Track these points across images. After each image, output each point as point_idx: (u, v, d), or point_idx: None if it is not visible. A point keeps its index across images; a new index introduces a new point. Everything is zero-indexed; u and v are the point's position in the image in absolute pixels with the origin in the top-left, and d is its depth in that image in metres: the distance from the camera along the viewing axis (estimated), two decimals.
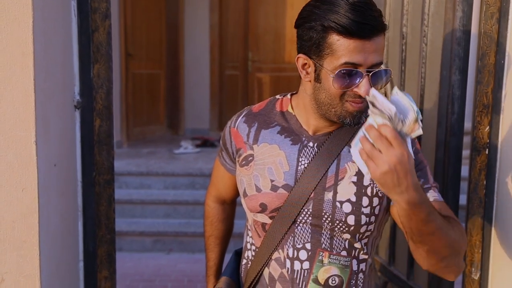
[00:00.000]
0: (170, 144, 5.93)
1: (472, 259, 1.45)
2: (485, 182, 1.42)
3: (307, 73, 1.11)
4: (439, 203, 1.12)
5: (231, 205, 1.47)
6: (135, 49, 5.78)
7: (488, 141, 1.40)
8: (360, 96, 1.05)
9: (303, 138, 1.17)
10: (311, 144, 1.16)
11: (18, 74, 1.15)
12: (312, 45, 1.06)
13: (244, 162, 1.21)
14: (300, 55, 1.11)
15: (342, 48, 1.02)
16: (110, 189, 1.49)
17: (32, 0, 1.13)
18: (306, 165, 1.14)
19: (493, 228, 1.42)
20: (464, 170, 1.45)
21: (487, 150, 1.41)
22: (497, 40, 1.36)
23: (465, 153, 1.47)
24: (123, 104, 5.60)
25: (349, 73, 1.03)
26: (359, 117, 1.08)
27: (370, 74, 1.03)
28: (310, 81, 1.11)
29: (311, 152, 1.15)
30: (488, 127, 1.40)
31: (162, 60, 6.31)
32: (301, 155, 1.16)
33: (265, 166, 1.17)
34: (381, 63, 1.05)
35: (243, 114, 1.26)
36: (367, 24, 1.01)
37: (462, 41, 1.41)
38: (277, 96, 1.27)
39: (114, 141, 1.55)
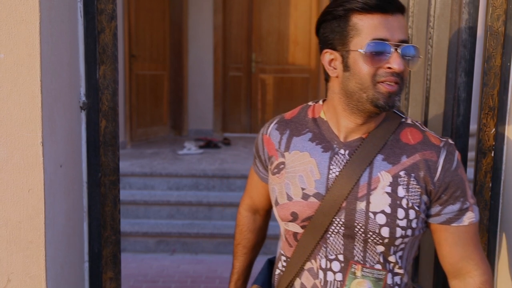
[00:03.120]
0: (173, 145, 5.94)
1: None
2: (490, 185, 1.42)
3: (335, 67, 1.09)
4: (471, 228, 1.11)
5: (264, 217, 1.42)
6: (139, 50, 5.79)
7: (493, 143, 1.40)
8: (393, 74, 1.03)
9: (334, 145, 1.14)
10: (342, 151, 1.13)
11: (25, 75, 1.15)
12: (336, 35, 1.06)
13: (275, 170, 1.19)
14: (325, 50, 1.09)
15: (366, 26, 1.02)
16: (116, 190, 1.49)
17: (39, 1, 1.14)
18: (337, 173, 1.11)
19: (498, 231, 1.41)
20: (470, 173, 1.44)
21: (492, 152, 1.40)
22: (503, 42, 1.35)
23: (471, 155, 1.47)
24: (126, 105, 5.61)
25: (378, 48, 1.02)
26: (393, 99, 1.05)
27: (400, 48, 1.02)
28: (337, 76, 1.09)
29: (342, 160, 1.12)
30: (494, 129, 1.40)
31: (165, 61, 6.32)
32: (332, 163, 1.12)
33: (296, 174, 1.15)
34: (407, 41, 1.04)
35: (276, 121, 1.24)
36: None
37: (468, 43, 1.40)
38: (310, 103, 1.25)
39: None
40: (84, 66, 1.43)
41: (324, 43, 1.09)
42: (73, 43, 1.38)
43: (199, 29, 6.54)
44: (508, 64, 1.35)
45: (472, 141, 1.52)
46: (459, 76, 1.43)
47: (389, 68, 1.03)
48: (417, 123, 1.17)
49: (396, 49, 1.02)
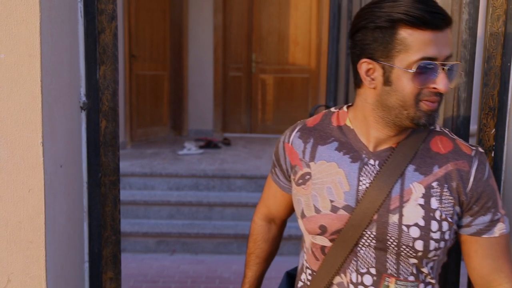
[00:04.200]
0: (173, 145, 5.94)
1: None
2: None
3: (373, 79, 1.02)
4: (502, 239, 1.08)
5: (279, 226, 1.38)
6: (139, 50, 5.80)
7: (494, 143, 1.40)
8: (435, 94, 0.99)
9: (363, 155, 1.09)
10: (372, 161, 1.08)
11: (25, 75, 1.15)
12: (378, 46, 0.99)
13: (300, 180, 1.14)
14: (364, 59, 1.02)
15: (416, 42, 0.95)
16: (116, 190, 1.49)
17: (39, 1, 1.14)
18: (367, 185, 1.06)
19: None
20: None
21: (493, 152, 1.40)
22: (504, 42, 1.35)
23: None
24: (126, 105, 5.61)
25: (427, 69, 0.96)
26: (433, 116, 1.01)
27: (447, 67, 0.97)
28: (374, 87, 1.03)
29: (372, 171, 1.07)
30: (494, 130, 1.39)
31: (165, 61, 6.32)
32: (362, 174, 1.08)
33: (324, 186, 1.10)
34: (451, 56, 1.00)
35: (297, 129, 1.19)
36: (439, 14, 0.95)
37: (468, 43, 1.40)
38: (332, 109, 1.19)
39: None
40: (85, 66, 1.43)
41: (362, 51, 1.02)
42: (73, 43, 1.38)
43: (199, 29, 6.54)
44: (508, 64, 1.35)
45: (472, 142, 1.51)
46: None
47: (434, 88, 0.98)
48: (445, 130, 1.14)
49: (443, 69, 0.97)
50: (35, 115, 1.16)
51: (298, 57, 6.78)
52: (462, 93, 1.43)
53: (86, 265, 1.50)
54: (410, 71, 0.96)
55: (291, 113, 6.83)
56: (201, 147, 5.75)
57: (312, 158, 1.13)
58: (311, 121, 1.19)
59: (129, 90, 5.66)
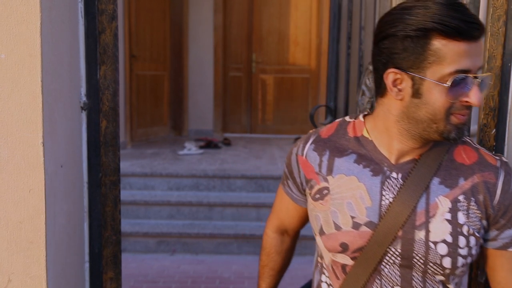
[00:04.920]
0: (173, 145, 5.94)
1: (478, 262, 1.45)
2: None
3: (400, 90, 0.96)
4: None
5: (292, 238, 1.33)
6: (139, 50, 5.80)
7: (494, 143, 1.40)
8: (467, 107, 0.95)
9: (385, 168, 1.03)
10: (394, 174, 1.03)
11: (25, 75, 1.15)
12: (408, 56, 0.93)
13: (318, 195, 1.08)
14: (391, 70, 0.95)
15: (451, 54, 0.90)
16: (116, 190, 1.49)
17: (40, 1, 1.14)
18: (391, 199, 1.01)
19: None
20: None
21: (493, 152, 1.40)
22: (504, 42, 1.35)
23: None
24: (127, 105, 5.62)
25: (462, 82, 0.91)
26: (463, 130, 0.97)
27: (480, 79, 0.93)
28: (401, 99, 0.97)
29: (396, 184, 1.02)
30: (494, 130, 1.39)
31: (166, 61, 6.33)
32: (384, 188, 1.02)
33: (344, 201, 1.04)
34: (482, 66, 0.98)
35: (311, 141, 1.12)
36: (475, 23, 0.89)
37: None
38: (347, 119, 1.13)
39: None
40: (85, 66, 1.43)
41: (389, 59, 0.96)
42: (73, 43, 1.38)
43: (200, 29, 6.54)
44: (509, 64, 1.35)
45: None
46: None
47: (467, 101, 0.94)
48: (468, 139, 1.09)
49: (476, 81, 0.92)
50: (36, 115, 1.16)
51: (298, 57, 6.78)
52: None
53: (87, 265, 1.50)
54: (444, 84, 0.91)
55: (291, 113, 6.83)
56: (201, 147, 5.76)
57: (330, 172, 1.07)
58: (325, 132, 1.13)
59: (129, 90, 5.66)
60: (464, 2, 1.38)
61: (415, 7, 0.92)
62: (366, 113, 1.11)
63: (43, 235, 1.19)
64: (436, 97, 0.93)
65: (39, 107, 1.16)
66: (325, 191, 1.07)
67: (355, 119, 1.11)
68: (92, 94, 1.44)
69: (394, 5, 1.69)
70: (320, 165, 1.09)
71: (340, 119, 1.15)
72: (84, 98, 1.44)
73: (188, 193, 4.53)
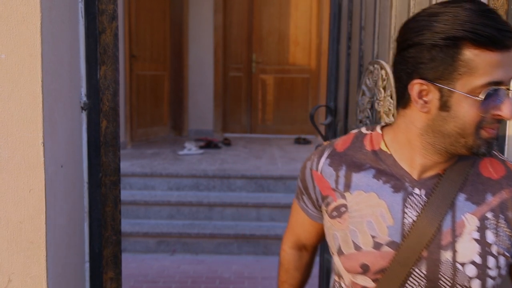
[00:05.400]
0: (174, 145, 5.94)
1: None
2: None
3: (426, 102, 0.90)
4: None
5: (310, 253, 1.26)
6: (139, 50, 5.80)
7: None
8: (497, 121, 0.89)
9: (406, 184, 0.97)
10: (417, 191, 0.96)
11: (26, 75, 1.15)
12: (436, 66, 0.86)
13: (335, 213, 1.02)
14: (417, 80, 0.89)
15: (483, 65, 0.84)
16: (116, 190, 1.49)
17: (40, 2, 1.14)
18: (414, 217, 0.95)
19: None
20: None
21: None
22: None
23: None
24: (127, 105, 5.62)
25: (495, 95, 0.86)
26: (492, 145, 0.91)
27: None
28: (427, 111, 0.90)
29: (419, 201, 0.96)
30: None
31: (166, 61, 6.33)
32: (407, 205, 0.96)
33: (363, 219, 0.98)
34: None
35: (326, 155, 1.06)
36: (508, 32, 0.84)
37: None
38: (363, 130, 1.06)
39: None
40: (85, 66, 1.43)
41: (415, 69, 0.89)
42: (74, 43, 1.38)
43: (200, 29, 6.54)
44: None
45: None
46: None
47: (498, 115, 0.88)
48: (493, 151, 1.02)
49: (509, 94, 0.87)
50: (36, 115, 1.16)
51: (298, 57, 6.78)
52: None
53: (87, 265, 1.50)
54: (476, 98, 0.85)
55: (291, 113, 6.84)
56: (201, 147, 5.76)
57: (347, 188, 1.01)
58: (340, 145, 1.06)
59: (130, 90, 5.66)
60: None
61: (443, 14, 0.86)
62: (383, 124, 1.05)
63: (43, 235, 1.20)
64: (466, 111, 0.87)
65: (39, 107, 1.16)
66: (343, 209, 1.01)
67: (372, 131, 1.05)
68: (92, 94, 1.44)
69: (394, 5, 1.69)
70: (336, 181, 1.03)
71: (356, 130, 1.08)
72: (84, 98, 1.44)
73: (188, 193, 4.54)
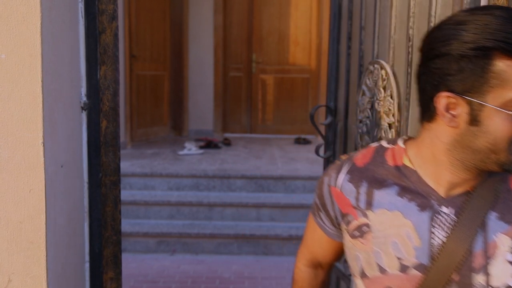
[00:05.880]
0: (174, 145, 5.94)
1: None
2: None
3: (454, 116, 0.85)
4: None
5: (327, 271, 1.20)
6: (139, 50, 5.80)
7: None
8: None
9: (433, 202, 0.91)
10: (445, 209, 0.91)
11: (26, 75, 1.15)
12: (465, 78, 0.82)
13: (357, 232, 0.97)
14: (444, 93, 0.84)
15: None
16: (116, 190, 1.49)
17: (40, 1, 1.14)
18: (443, 238, 0.90)
19: None
20: None
21: None
22: None
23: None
24: (127, 105, 5.62)
25: None
26: None
27: None
28: (456, 126, 0.86)
29: (447, 221, 0.90)
30: None
31: (166, 61, 6.33)
32: (434, 225, 0.91)
33: (388, 240, 0.93)
34: None
35: (346, 170, 1.00)
36: None
37: None
38: (384, 144, 1.00)
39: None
40: (85, 66, 1.43)
41: (442, 81, 0.84)
42: (74, 43, 1.38)
43: (200, 29, 6.54)
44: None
45: None
46: None
47: None
48: None
49: None
50: (36, 115, 1.16)
51: (298, 57, 6.78)
52: None
53: (87, 265, 1.50)
54: (509, 112, 0.80)
55: (291, 113, 6.84)
56: (201, 147, 5.75)
57: (369, 206, 0.95)
58: (360, 160, 1.00)
59: (130, 90, 5.66)
60: (464, 1, 1.38)
61: (472, 22, 0.81)
62: (405, 137, 0.99)
63: (43, 235, 1.19)
64: (497, 125, 0.82)
65: (39, 106, 1.16)
66: (365, 228, 0.95)
67: (393, 145, 0.99)
68: (92, 94, 1.44)
69: (394, 5, 1.69)
70: (357, 198, 0.97)
71: (376, 144, 1.02)
72: (84, 98, 1.44)
73: (188, 193, 4.53)
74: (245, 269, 3.87)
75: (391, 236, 0.93)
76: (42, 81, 1.16)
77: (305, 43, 6.71)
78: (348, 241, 1.00)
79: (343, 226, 1.01)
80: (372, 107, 1.73)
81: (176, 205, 4.38)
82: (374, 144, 1.03)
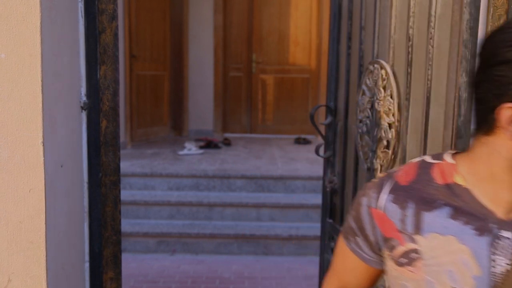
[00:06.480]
0: (174, 145, 5.94)
1: None
2: None
3: None
4: None
5: None
6: (139, 50, 5.80)
7: None
8: None
9: (491, 225, 0.82)
10: (506, 233, 0.81)
11: (26, 75, 1.15)
12: None
13: (404, 260, 0.87)
14: (508, 104, 0.76)
15: None
16: (116, 190, 1.49)
17: (40, 1, 1.14)
18: (506, 266, 0.81)
19: None
20: None
21: None
22: None
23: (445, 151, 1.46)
24: (127, 105, 5.62)
25: None
26: None
27: None
28: None
29: (510, 246, 0.81)
30: None
31: (166, 61, 6.33)
32: (495, 251, 0.81)
33: (442, 268, 0.84)
34: None
35: (388, 189, 0.90)
36: None
37: (469, 43, 1.40)
38: (428, 159, 0.91)
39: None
40: (85, 66, 1.43)
41: (506, 91, 0.76)
42: (74, 43, 1.38)
43: (200, 29, 6.54)
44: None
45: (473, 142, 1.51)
46: (460, 76, 1.43)
47: None
48: None
49: None
50: (36, 115, 1.16)
51: (298, 57, 6.78)
52: (463, 93, 1.43)
53: (87, 265, 1.50)
54: None
55: (291, 113, 6.83)
56: (201, 147, 5.75)
57: (417, 230, 0.86)
58: (403, 177, 0.90)
59: (130, 90, 5.66)
60: (464, 1, 1.38)
61: None
62: (452, 151, 0.91)
63: (43, 235, 1.19)
64: None
65: (39, 106, 1.16)
66: (414, 255, 0.86)
67: (439, 160, 0.89)
68: (92, 94, 1.44)
69: (394, 5, 1.69)
70: (403, 221, 0.87)
71: (419, 159, 0.93)
72: (84, 98, 1.44)
73: (188, 193, 4.53)
74: (245, 269, 3.87)
75: (445, 264, 0.84)
76: (42, 80, 1.16)
77: (305, 43, 6.71)
78: (393, 269, 0.90)
79: (386, 252, 0.91)
80: (372, 107, 1.73)
81: (176, 205, 4.38)
82: (415, 160, 0.93)
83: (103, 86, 1.44)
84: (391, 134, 1.62)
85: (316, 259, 2.86)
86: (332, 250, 2.12)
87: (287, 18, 6.73)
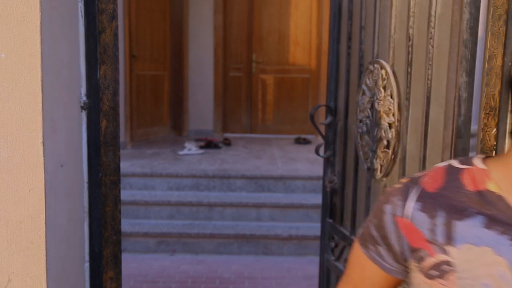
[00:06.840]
0: (174, 145, 5.94)
1: None
2: None
3: None
4: None
5: None
6: (139, 50, 5.80)
7: (495, 143, 1.40)
8: None
9: None
10: None
11: (25, 75, 1.15)
12: None
13: (435, 272, 0.82)
14: None
15: None
16: (116, 190, 1.49)
17: (40, 1, 1.14)
18: None
19: None
20: None
21: (494, 152, 1.40)
22: (505, 42, 1.35)
23: (472, 155, 1.46)
24: (127, 105, 5.62)
25: None
26: None
27: None
28: None
29: None
30: (495, 129, 1.39)
31: (166, 61, 6.33)
32: None
33: (477, 282, 0.78)
34: None
35: (415, 197, 0.84)
36: None
37: (469, 43, 1.40)
38: (456, 164, 0.85)
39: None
40: (85, 66, 1.43)
41: None
42: (73, 43, 1.38)
43: (200, 29, 6.54)
44: (510, 64, 1.35)
45: (473, 142, 1.51)
46: (460, 76, 1.43)
47: None
48: None
49: None
50: (36, 114, 1.16)
51: (298, 57, 6.78)
52: (463, 93, 1.43)
53: (87, 265, 1.50)
54: None
55: (291, 113, 6.84)
56: (201, 147, 5.75)
57: (449, 240, 0.80)
58: (430, 184, 0.84)
59: (130, 90, 5.66)
60: (464, 1, 1.38)
61: None
62: (482, 156, 0.86)
63: (43, 235, 1.19)
64: None
65: (39, 106, 1.16)
66: (446, 267, 0.81)
67: (468, 165, 0.84)
68: (92, 94, 1.44)
69: (394, 5, 1.69)
70: (433, 231, 0.82)
71: (445, 164, 0.87)
72: (84, 98, 1.44)
73: (188, 193, 4.53)
74: (245, 269, 3.87)
75: (481, 277, 0.78)
76: (41, 80, 1.16)
77: (305, 43, 6.71)
78: (421, 282, 0.85)
79: (413, 263, 0.85)
80: (372, 107, 1.73)
81: (176, 205, 4.38)
82: (442, 165, 0.88)
83: (103, 86, 1.44)
84: (391, 134, 1.62)
85: (316, 259, 2.86)
86: (332, 250, 2.12)
87: (287, 18, 6.73)
